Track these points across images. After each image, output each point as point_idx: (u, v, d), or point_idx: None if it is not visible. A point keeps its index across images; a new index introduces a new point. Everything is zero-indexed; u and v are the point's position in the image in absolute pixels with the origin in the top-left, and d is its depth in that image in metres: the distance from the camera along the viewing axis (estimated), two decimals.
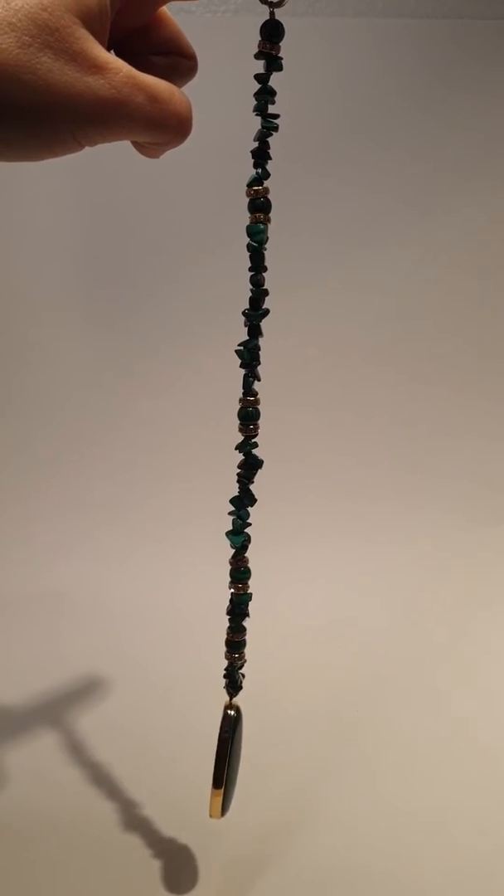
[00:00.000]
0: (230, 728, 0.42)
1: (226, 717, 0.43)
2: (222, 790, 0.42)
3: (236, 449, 0.40)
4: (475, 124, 0.88)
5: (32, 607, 0.79)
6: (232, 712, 0.43)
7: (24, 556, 0.86)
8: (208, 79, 0.72)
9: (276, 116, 0.37)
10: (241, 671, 0.43)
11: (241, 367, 0.39)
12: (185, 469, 0.90)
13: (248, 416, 0.39)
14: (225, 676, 0.43)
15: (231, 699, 0.43)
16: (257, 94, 0.36)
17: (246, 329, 0.39)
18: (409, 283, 0.92)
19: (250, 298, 0.39)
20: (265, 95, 0.36)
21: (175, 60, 0.36)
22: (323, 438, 0.93)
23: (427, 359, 0.93)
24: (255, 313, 0.39)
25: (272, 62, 0.36)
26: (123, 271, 0.89)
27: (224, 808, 0.43)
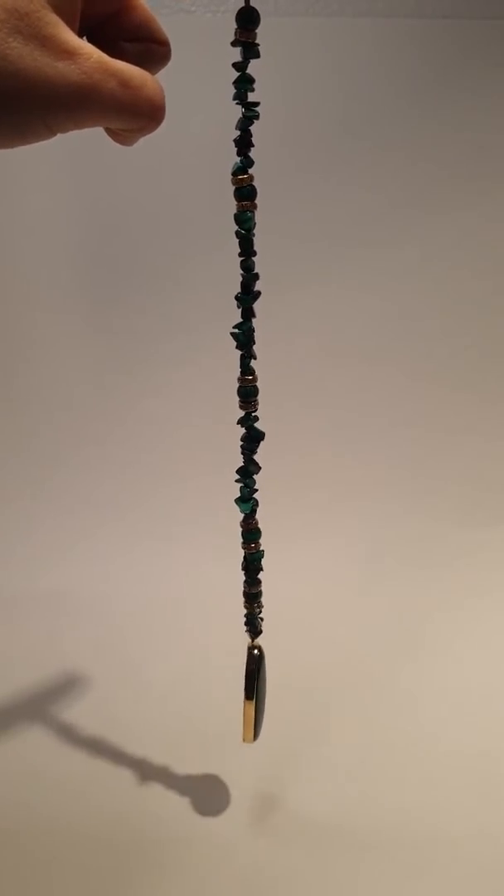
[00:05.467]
0: (255, 662, 0.43)
1: (250, 654, 0.44)
2: (254, 700, 0.43)
3: (238, 423, 0.39)
4: (475, 124, 0.81)
5: (35, 606, 0.74)
6: (255, 651, 0.44)
7: (26, 555, 0.81)
8: (209, 79, 0.70)
9: (256, 104, 0.34)
10: (260, 616, 0.44)
11: (237, 348, 0.38)
12: (186, 467, 0.85)
13: (248, 393, 0.38)
14: (245, 623, 0.44)
15: (253, 641, 0.44)
16: (236, 83, 0.33)
17: (240, 313, 0.37)
18: (408, 283, 0.86)
19: (242, 283, 0.37)
20: (244, 83, 0.33)
21: (148, 47, 0.33)
22: (322, 438, 0.88)
23: (427, 359, 0.87)
24: (247, 297, 0.37)
25: (249, 50, 0.33)
26: (124, 271, 0.85)
27: (256, 733, 0.44)
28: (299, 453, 0.86)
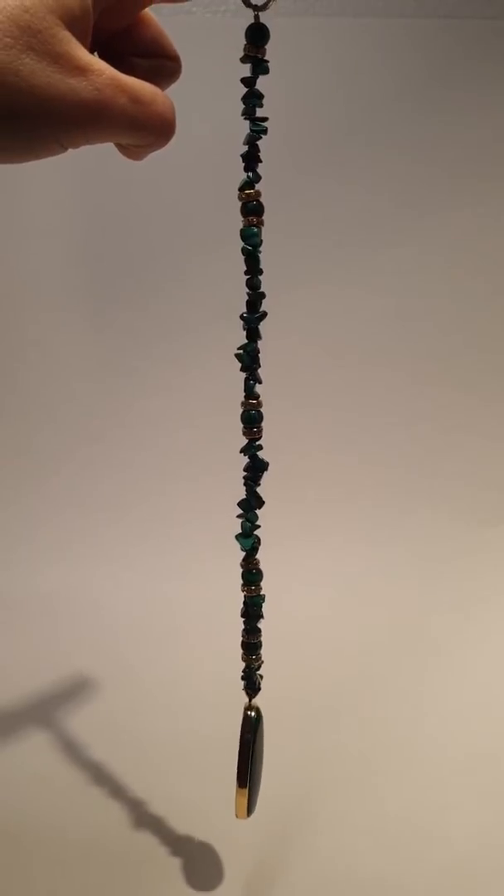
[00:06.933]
0: (251, 729, 0.40)
1: (246, 718, 0.41)
2: (247, 789, 0.40)
3: (241, 452, 0.38)
4: (475, 124, 0.84)
5: (33, 606, 0.75)
6: (252, 713, 0.41)
7: (25, 556, 0.83)
8: (209, 79, 0.69)
9: (264, 120, 0.35)
10: (258, 672, 0.41)
11: (241, 370, 0.37)
12: (185, 468, 0.87)
13: (251, 419, 0.38)
14: (243, 678, 0.41)
15: (250, 700, 0.41)
16: (244, 98, 0.34)
17: (244, 332, 0.37)
18: (408, 283, 0.88)
19: (247, 302, 0.37)
20: (252, 99, 0.34)
21: (159, 62, 0.34)
22: (323, 438, 0.89)
23: (427, 359, 0.89)
24: (252, 316, 0.37)
25: (258, 65, 0.34)
26: (124, 270, 0.86)
27: (250, 809, 0.41)
28: (299, 453, 0.87)
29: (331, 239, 0.86)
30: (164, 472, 0.87)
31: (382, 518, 0.86)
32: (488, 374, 0.90)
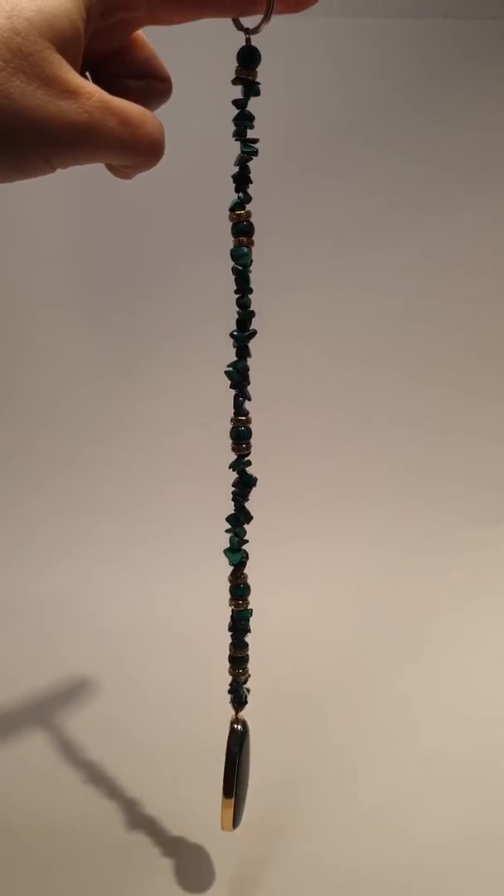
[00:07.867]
0: (237, 742, 0.41)
1: (232, 731, 0.41)
2: (233, 800, 0.40)
3: (230, 468, 0.39)
4: (475, 124, 0.84)
5: (32, 607, 0.76)
6: (238, 727, 0.41)
7: (24, 557, 0.83)
8: (205, 79, 0.70)
9: (255, 141, 0.35)
10: (245, 686, 0.42)
11: (231, 387, 0.38)
12: (184, 469, 0.87)
13: (241, 436, 0.38)
14: (230, 692, 0.42)
15: (237, 714, 0.42)
16: (236, 120, 0.34)
17: (234, 350, 0.37)
18: (409, 283, 0.88)
19: (237, 320, 0.37)
20: (244, 121, 0.35)
21: (149, 83, 0.35)
22: (322, 438, 0.89)
23: (427, 359, 0.90)
24: (242, 335, 0.37)
25: (250, 87, 0.34)
26: (123, 271, 0.87)
27: (235, 821, 0.42)
28: (299, 453, 0.88)
29: (330, 239, 0.87)
30: (163, 473, 0.88)
31: (382, 518, 0.87)
32: (488, 375, 0.91)
